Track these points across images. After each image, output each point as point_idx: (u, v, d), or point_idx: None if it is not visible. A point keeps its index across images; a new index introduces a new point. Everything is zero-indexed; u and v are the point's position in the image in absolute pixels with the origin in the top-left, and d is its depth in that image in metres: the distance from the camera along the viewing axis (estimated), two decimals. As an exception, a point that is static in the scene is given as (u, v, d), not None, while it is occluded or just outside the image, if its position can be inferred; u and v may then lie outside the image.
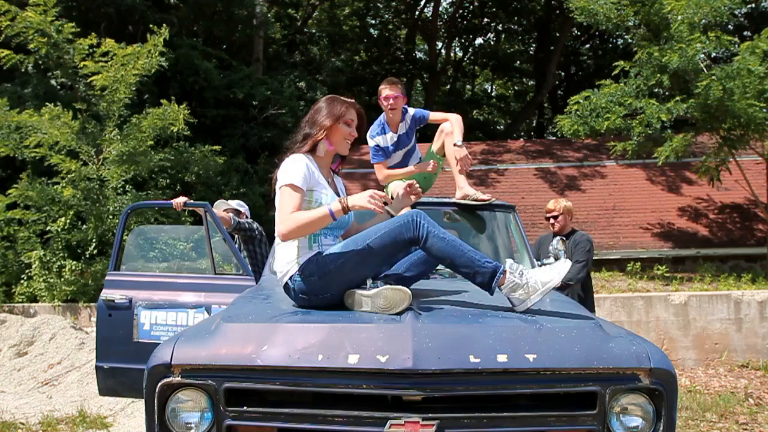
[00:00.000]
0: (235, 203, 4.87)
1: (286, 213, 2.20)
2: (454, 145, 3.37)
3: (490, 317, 2.05)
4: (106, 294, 3.54)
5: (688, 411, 4.84)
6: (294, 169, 2.26)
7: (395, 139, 3.55)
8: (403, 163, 3.63)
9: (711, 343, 6.84)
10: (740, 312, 6.86)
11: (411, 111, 3.58)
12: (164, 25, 9.22)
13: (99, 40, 8.89)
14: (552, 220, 4.75)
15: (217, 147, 10.14)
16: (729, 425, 4.54)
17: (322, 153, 2.41)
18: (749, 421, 4.65)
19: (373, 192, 2.14)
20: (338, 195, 2.46)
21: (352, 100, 2.46)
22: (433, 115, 3.60)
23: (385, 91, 3.45)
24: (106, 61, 8.75)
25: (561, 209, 4.71)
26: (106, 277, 3.65)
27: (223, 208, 4.74)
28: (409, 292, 2.05)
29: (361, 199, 2.13)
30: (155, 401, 1.83)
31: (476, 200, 3.38)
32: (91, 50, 8.87)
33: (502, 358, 1.76)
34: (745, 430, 4.49)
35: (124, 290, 3.54)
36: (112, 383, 3.50)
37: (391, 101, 3.44)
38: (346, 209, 2.15)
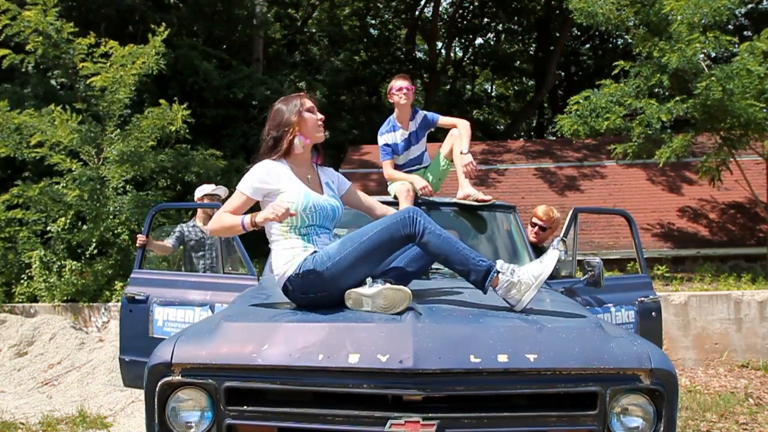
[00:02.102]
0: (221, 191, 5.05)
1: (222, 209, 2.36)
2: (461, 153, 3.42)
3: (490, 317, 2.06)
4: (129, 290, 3.73)
5: (688, 411, 4.84)
6: (249, 177, 2.37)
7: (406, 135, 3.62)
8: (416, 161, 3.68)
9: (711, 343, 6.84)
10: (740, 312, 6.86)
11: (422, 112, 3.67)
12: (163, 24, 9.20)
13: (98, 40, 8.88)
14: (536, 228, 4.31)
15: (218, 153, 10.14)
16: (729, 425, 4.54)
17: (300, 149, 2.42)
18: (749, 421, 4.65)
19: (275, 204, 2.19)
20: (322, 189, 2.47)
21: (302, 93, 2.54)
22: (443, 120, 3.67)
23: (397, 82, 3.57)
24: (105, 62, 8.74)
25: (551, 222, 4.30)
26: (131, 275, 3.85)
27: (204, 192, 4.85)
28: (410, 291, 2.06)
29: (265, 212, 2.20)
30: (155, 400, 1.83)
31: (477, 200, 3.38)
32: (90, 50, 8.87)
33: (502, 358, 1.76)
34: (745, 430, 4.49)
35: (143, 287, 3.73)
36: (133, 375, 3.65)
37: (404, 90, 3.54)
38: (253, 223, 2.23)
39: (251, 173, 2.36)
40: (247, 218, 2.25)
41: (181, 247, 5.06)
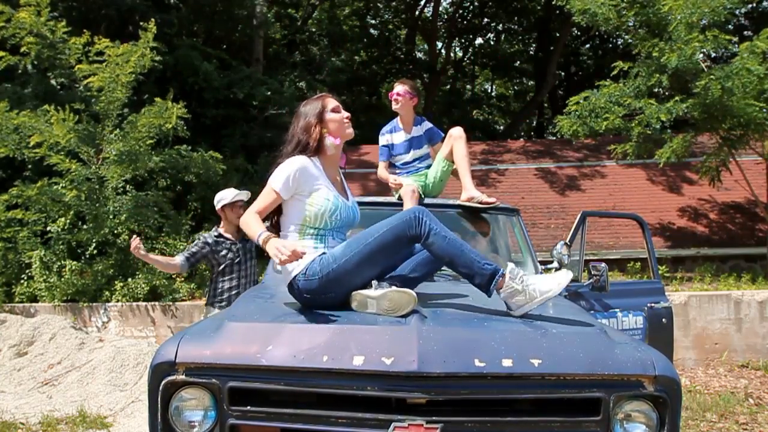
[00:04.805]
0: (244, 195, 4.55)
1: (252, 208, 2.30)
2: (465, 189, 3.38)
3: (495, 321, 2.05)
4: None
5: (688, 411, 4.85)
6: (282, 173, 2.30)
7: (407, 138, 3.66)
8: (412, 165, 3.70)
9: (711, 343, 6.85)
10: (740, 312, 6.86)
11: (429, 124, 3.72)
12: (152, 20, 9.18)
13: (92, 39, 8.86)
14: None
15: (218, 155, 10.10)
16: (729, 425, 4.55)
17: (332, 150, 2.41)
18: (749, 421, 4.66)
19: (283, 245, 2.02)
20: (347, 194, 2.48)
21: (324, 93, 2.52)
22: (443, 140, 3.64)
23: (395, 87, 3.61)
24: (102, 61, 8.72)
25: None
26: None
27: (236, 198, 4.52)
28: (415, 294, 2.05)
29: (271, 249, 2.05)
30: (159, 399, 1.83)
31: (481, 203, 3.37)
32: (86, 49, 8.86)
33: (507, 362, 1.76)
34: (745, 430, 4.50)
35: None
36: None
37: (394, 96, 3.59)
38: (264, 245, 2.13)
39: (284, 169, 2.30)
40: (263, 236, 2.14)
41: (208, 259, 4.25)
